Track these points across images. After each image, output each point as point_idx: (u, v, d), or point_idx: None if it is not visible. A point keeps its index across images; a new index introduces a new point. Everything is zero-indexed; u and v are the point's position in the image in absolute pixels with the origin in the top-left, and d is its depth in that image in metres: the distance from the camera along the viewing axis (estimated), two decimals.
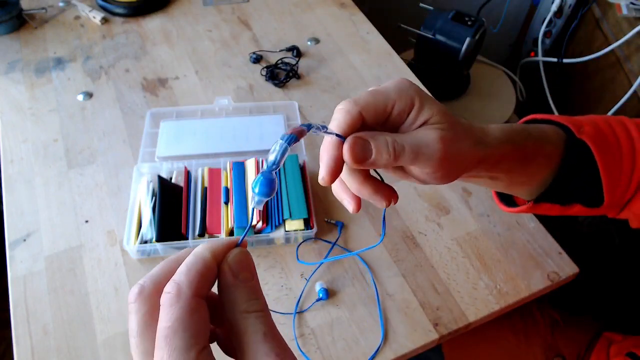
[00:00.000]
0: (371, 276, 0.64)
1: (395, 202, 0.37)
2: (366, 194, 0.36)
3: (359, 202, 0.37)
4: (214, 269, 0.28)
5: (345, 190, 0.38)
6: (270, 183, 0.30)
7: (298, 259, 0.65)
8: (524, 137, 0.42)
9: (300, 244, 0.67)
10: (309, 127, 0.32)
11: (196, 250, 0.28)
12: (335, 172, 0.34)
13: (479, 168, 0.39)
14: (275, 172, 0.30)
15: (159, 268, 0.29)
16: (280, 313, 0.60)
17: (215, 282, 0.28)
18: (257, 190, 0.30)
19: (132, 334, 0.27)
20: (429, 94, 0.37)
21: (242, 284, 0.28)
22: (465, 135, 0.37)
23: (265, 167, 0.30)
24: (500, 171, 0.41)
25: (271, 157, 0.30)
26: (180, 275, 0.27)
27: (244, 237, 0.30)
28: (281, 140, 0.31)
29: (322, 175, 0.34)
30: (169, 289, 0.26)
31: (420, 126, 0.36)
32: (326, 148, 0.35)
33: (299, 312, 0.60)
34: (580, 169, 0.45)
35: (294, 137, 0.31)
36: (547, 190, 0.45)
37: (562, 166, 0.44)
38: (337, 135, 0.34)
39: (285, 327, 0.59)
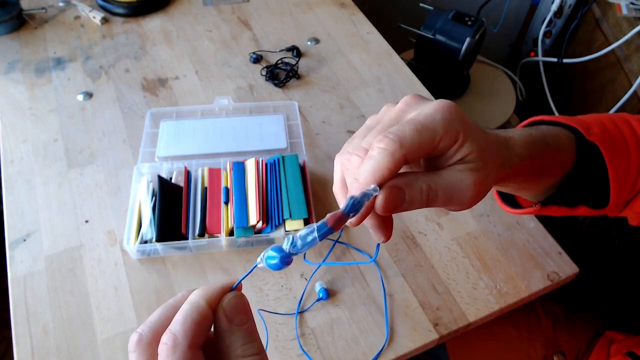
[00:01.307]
0: (380, 276, 0.64)
1: (387, 240, 0.36)
2: (370, 224, 0.35)
3: (389, 232, 0.36)
4: (209, 315, 0.28)
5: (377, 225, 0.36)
6: (284, 264, 0.29)
7: (305, 258, 0.65)
8: (542, 148, 0.40)
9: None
10: (353, 209, 0.30)
11: (191, 298, 0.29)
12: (365, 216, 0.33)
13: (496, 184, 0.38)
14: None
15: (156, 314, 0.29)
16: (281, 314, 0.60)
17: (211, 327, 0.29)
18: (269, 262, 0.29)
19: None
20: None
21: (237, 329, 0.28)
22: (494, 167, 0.35)
23: (289, 246, 0.29)
24: (513, 182, 0.40)
25: (299, 244, 0.29)
26: (176, 324, 0.27)
27: (240, 282, 0.30)
28: (316, 233, 0.29)
29: (354, 221, 0.32)
30: (165, 339, 0.27)
31: (458, 161, 0.33)
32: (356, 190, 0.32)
33: (300, 312, 0.60)
34: (589, 172, 0.44)
35: (331, 231, 0.29)
36: (555, 194, 0.44)
37: (573, 171, 0.43)
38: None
39: (286, 327, 0.59)
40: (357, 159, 0.33)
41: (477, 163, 0.33)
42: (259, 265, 0.30)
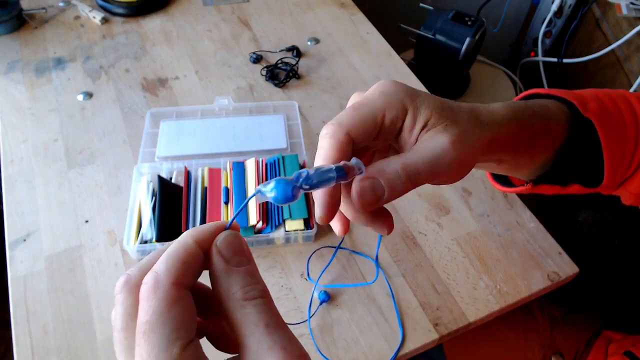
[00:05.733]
0: (384, 276, 0.64)
1: (390, 231, 0.34)
2: (364, 222, 0.33)
3: (346, 224, 0.34)
4: (198, 255, 0.25)
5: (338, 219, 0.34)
6: (292, 197, 0.26)
7: (308, 276, 0.65)
8: (529, 115, 0.38)
9: (310, 257, 0.66)
10: (359, 166, 0.29)
11: (179, 238, 0.26)
12: (334, 210, 0.30)
13: (487, 152, 0.36)
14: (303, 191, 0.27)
15: (148, 257, 0.27)
16: (292, 324, 0.60)
17: (201, 270, 0.26)
18: (277, 189, 0.26)
19: (116, 327, 0.25)
20: (418, 88, 0.34)
21: (235, 269, 0.25)
22: (469, 125, 0.33)
23: (302, 179, 0.27)
24: (506, 152, 0.38)
25: (314, 177, 0.27)
26: (160, 264, 0.24)
27: (234, 218, 0.27)
28: (334, 172, 0.27)
29: (320, 215, 0.30)
30: (147, 279, 0.24)
31: (421, 131, 0.32)
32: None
33: (305, 319, 0.61)
34: (583, 148, 0.42)
35: (344, 176, 0.28)
36: (548, 171, 0.42)
37: (566, 146, 0.41)
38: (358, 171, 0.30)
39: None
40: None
41: (444, 124, 0.31)
42: (258, 195, 0.27)
